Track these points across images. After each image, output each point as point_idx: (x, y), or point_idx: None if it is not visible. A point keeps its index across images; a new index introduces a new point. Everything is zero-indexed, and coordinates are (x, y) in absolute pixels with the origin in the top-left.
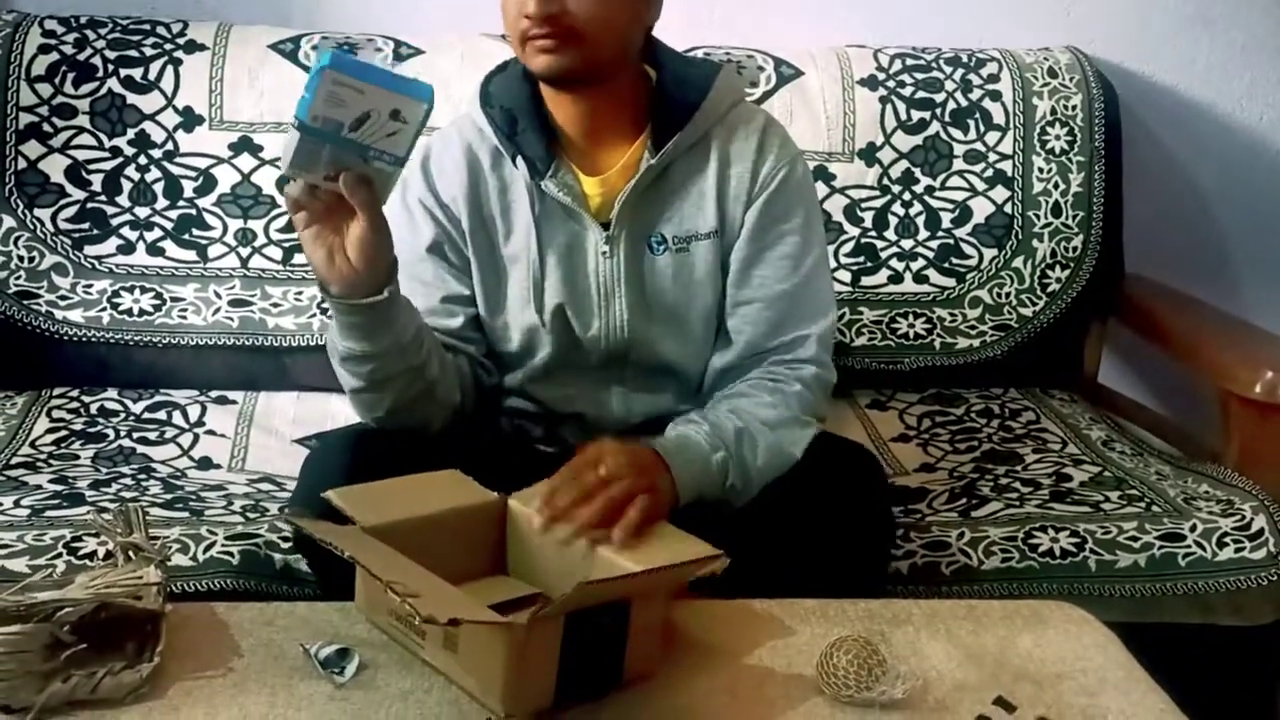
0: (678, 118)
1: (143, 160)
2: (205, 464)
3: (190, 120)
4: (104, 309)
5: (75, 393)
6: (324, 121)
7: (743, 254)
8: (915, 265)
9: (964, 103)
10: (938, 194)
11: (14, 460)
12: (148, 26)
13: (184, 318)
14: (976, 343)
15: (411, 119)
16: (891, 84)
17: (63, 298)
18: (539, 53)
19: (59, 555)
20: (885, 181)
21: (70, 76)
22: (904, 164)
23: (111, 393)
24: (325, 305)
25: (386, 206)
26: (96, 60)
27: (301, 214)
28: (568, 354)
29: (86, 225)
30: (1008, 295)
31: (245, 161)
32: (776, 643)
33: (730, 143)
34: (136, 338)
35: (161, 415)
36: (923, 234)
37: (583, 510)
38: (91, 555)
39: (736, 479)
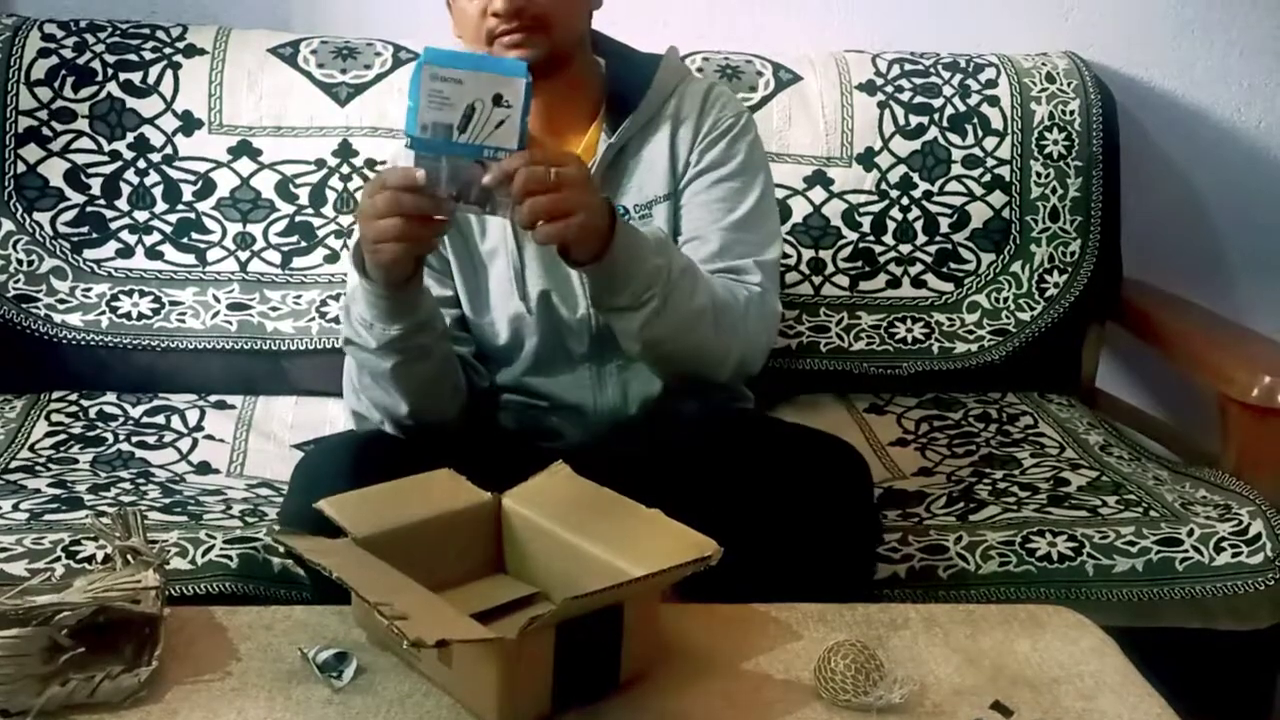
0: (631, 98)
1: (142, 164)
2: (204, 469)
3: (189, 124)
4: (103, 312)
5: (74, 396)
6: (433, 129)
7: (683, 199)
8: (913, 270)
9: (962, 108)
10: (936, 199)
11: (13, 464)
12: (147, 30)
13: (183, 321)
14: (974, 347)
15: (514, 100)
16: (890, 89)
17: (61, 301)
18: (509, 48)
19: (58, 559)
20: (883, 186)
21: (70, 80)
22: (902, 169)
23: (110, 396)
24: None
25: None
26: (96, 64)
27: (385, 225)
28: (556, 341)
29: (85, 229)
30: (1006, 300)
31: (244, 165)
32: (774, 647)
33: (680, 111)
34: (135, 341)
35: (160, 419)
36: (921, 239)
37: (534, 198)
38: (90, 559)
39: (661, 286)
